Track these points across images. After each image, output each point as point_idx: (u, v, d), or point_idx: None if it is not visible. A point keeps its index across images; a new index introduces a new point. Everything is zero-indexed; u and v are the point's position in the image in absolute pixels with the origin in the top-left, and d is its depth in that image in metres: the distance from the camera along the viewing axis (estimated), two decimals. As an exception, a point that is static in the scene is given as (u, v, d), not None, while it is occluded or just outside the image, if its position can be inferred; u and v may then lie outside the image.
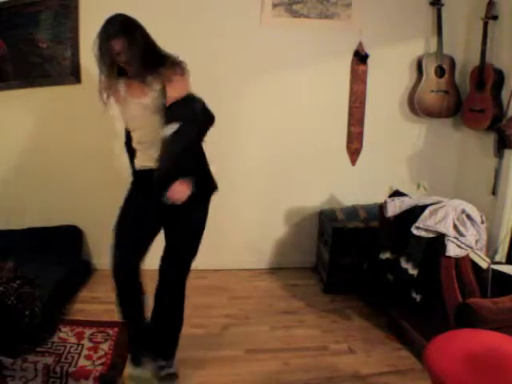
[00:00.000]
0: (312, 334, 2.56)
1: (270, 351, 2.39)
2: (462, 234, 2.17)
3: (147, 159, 2.01)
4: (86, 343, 2.34)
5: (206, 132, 2.00)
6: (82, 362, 2.19)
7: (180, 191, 1.85)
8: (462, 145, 3.29)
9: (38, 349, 2.23)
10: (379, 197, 2.78)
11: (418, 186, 3.19)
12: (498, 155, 2.81)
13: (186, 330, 2.20)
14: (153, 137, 1.95)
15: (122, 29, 1.93)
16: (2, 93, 2.93)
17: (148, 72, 1.93)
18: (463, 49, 3.13)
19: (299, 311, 2.78)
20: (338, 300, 2.95)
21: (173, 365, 2.13)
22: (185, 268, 2.09)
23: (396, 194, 2.68)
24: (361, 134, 3.25)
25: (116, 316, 2.58)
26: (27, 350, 2.20)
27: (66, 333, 2.41)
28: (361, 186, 3.27)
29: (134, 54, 1.88)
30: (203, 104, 1.98)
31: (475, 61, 2.89)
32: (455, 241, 2.16)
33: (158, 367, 2.10)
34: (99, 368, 2.14)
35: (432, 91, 3.06)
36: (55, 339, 2.35)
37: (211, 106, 2.16)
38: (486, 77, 2.82)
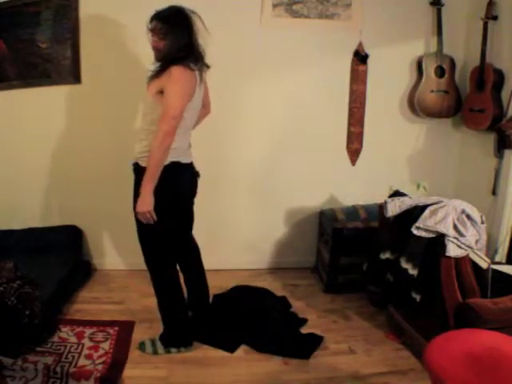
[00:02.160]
0: (312, 333, 2.56)
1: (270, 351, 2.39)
2: (462, 234, 2.17)
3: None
4: (87, 342, 2.34)
5: None
6: (83, 361, 2.19)
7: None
8: (462, 145, 3.29)
9: (38, 349, 2.23)
10: (379, 197, 2.78)
11: (418, 186, 3.19)
12: (498, 155, 2.81)
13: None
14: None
15: None
16: (2, 93, 2.92)
17: None
18: (463, 49, 3.13)
19: (299, 311, 2.78)
20: (337, 300, 2.95)
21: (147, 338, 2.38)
22: (143, 246, 2.24)
23: (396, 194, 2.68)
24: (361, 134, 3.25)
25: (116, 315, 2.61)
26: (27, 349, 2.20)
27: (66, 332, 2.41)
28: (361, 186, 3.27)
29: None
30: None
31: (475, 61, 2.89)
32: (455, 241, 2.16)
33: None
34: (100, 367, 2.14)
35: (432, 91, 3.07)
36: (55, 339, 2.35)
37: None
38: (486, 77, 2.82)
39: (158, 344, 2.32)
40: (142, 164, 2.10)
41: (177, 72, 1.99)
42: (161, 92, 2.03)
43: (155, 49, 2.09)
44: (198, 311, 2.50)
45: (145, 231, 2.19)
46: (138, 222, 2.17)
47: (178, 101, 1.99)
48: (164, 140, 1.98)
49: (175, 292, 2.31)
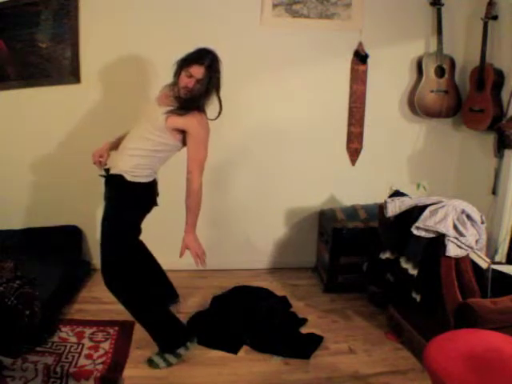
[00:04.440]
0: (312, 333, 2.56)
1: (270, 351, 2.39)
2: (462, 234, 2.17)
3: None
4: (87, 342, 2.34)
5: None
6: (83, 361, 2.19)
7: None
8: (462, 145, 3.29)
9: (38, 349, 2.23)
10: (379, 197, 2.78)
11: (418, 186, 3.19)
12: (498, 155, 2.80)
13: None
14: None
15: None
16: (2, 93, 2.92)
17: None
18: (463, 49, 3.13)
19: (299, 311, 2.78)
20: (338, 300, 2.95)
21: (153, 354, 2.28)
22: (104, 257, 2.21)
23: (396, 194, 2.68)
24: (361, 134, 3.25)
25: (116, 315, 2.61)
26: (27, 349, 2.20)
27: (66, 332, 2.41)
28: (361, 186, 3.27)
29: None
30: None
31: (475, 61, 2.89)
32: (455, 241, 2.16)
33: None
34: (99, 367, 2.14)
35: (432, 91, 3.06)
36: (55, 339, 2.35)
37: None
38: (486, 77, 2.82)
39: (166, 355, 2.24)
40: (129, 178, 2.15)
41: (204, 122, 2.13)
42: (179, 130, 2.12)
43: (187, 89, 2.08)
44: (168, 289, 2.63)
45: (114, 245, 2.20)
46: (109, 237, 2.19)
47: (206, 152, 2.14)
48: (200, 190, 2.13)
49: (147, 297, 2.27)
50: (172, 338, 2.28)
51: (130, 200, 2.19)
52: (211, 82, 2.08)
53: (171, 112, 2.09)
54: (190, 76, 2.06)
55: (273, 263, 3.40)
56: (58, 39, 2.85)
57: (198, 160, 2.11)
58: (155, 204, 2.31)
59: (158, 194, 2.33)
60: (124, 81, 2.95)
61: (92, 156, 2.36)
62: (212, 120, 2.19)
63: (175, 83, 2.13)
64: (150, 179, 2.22)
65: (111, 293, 2.21)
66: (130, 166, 2.14)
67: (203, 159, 2.13)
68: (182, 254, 2.13)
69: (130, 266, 2.22)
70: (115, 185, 2.19)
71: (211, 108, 2.20)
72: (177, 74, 2.11)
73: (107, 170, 2.26)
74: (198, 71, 2.05)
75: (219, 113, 2.19)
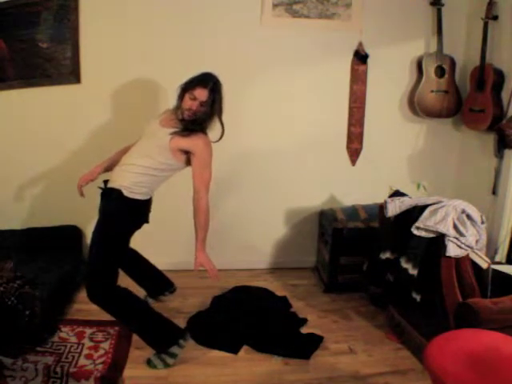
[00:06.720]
0: (312, 333, 2.56)
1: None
2: (462, 234, 2.17)
3: None
4: (87, 342, 2.35)
5: None
6: (83, 361, 2.19)
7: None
8: (462, 145, 3.29)
9: (38, 349, 2.24)
10: (379, 197, 2.78)
11: (418, 186, 3.19)
12: (498, 155, 2.81)
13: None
14: None
15: None
16: (2, 93, 2.92)
17: None
18: (463, 49, 3.14)
19: (299, 311, 2.78)
20: (338, 300, 2.95)
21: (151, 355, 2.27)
22: (92, 271, 2.21)
23: (396, 194, 2.68)
24: (361, 134, 3.25)
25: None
26: (27, 349, 2.20)
27: (66, 332, 2.42)
28: (361, 186, 3.27)
29: None
30: None
31: (475, 61, 2.89)
32: (455, 241, 2.16)
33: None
34: (100, 367, 2.14)
35: (432, 91, 3.07)
36: (55, 339, 2.35)
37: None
38: (486, 77, 2.82)
39: (162, 355, 2.23)
40: (126, 194, 2.16)
41: (209, 143, 2.16)
42: (183, 151, 2.15)
43: (191, 111, 2.12)
44: (160, 285, 2.72)
45: (103, 257, 2.19)
46: (98, 249, 2.19)
47: (211, 172, 2.18)
48: (208, 207, 2.16)
49: (133, 301, 2.27)
50: (162, 339, 2.26)
51: (123, 215, 2.20)
52: (214, 105, 2.14)
53: (176, 133, 2.13)
54: (194, 98, 2.11)
55: (273, 263, 3.40)
56: (58, 39, 2.85)
57: (204, 180, 2.15)
58: (146, 221, 2.33)
59: (150, 211, 2.35)
60: (124, 81, 2.95)
61: (79, 179, 2.42)
62: (214, 142, 2.21)
63: (178, 107, 2.17)
64: (147, 197, 2.25)
65: (96, 305, 2.19)
66: (129, 182, 2.16)
67: (209, 179, 2.17)
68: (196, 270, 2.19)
69: (115, 277, 2.22)
70: (111, 199, 2.20)
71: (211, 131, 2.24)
72: (181, 97, 2.16)
73: (105, 183, 2.27)
74: (201, 94, 2.10)
75: (221, 135, 2.22)
